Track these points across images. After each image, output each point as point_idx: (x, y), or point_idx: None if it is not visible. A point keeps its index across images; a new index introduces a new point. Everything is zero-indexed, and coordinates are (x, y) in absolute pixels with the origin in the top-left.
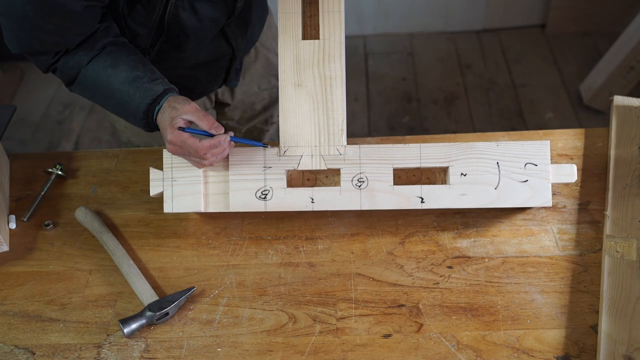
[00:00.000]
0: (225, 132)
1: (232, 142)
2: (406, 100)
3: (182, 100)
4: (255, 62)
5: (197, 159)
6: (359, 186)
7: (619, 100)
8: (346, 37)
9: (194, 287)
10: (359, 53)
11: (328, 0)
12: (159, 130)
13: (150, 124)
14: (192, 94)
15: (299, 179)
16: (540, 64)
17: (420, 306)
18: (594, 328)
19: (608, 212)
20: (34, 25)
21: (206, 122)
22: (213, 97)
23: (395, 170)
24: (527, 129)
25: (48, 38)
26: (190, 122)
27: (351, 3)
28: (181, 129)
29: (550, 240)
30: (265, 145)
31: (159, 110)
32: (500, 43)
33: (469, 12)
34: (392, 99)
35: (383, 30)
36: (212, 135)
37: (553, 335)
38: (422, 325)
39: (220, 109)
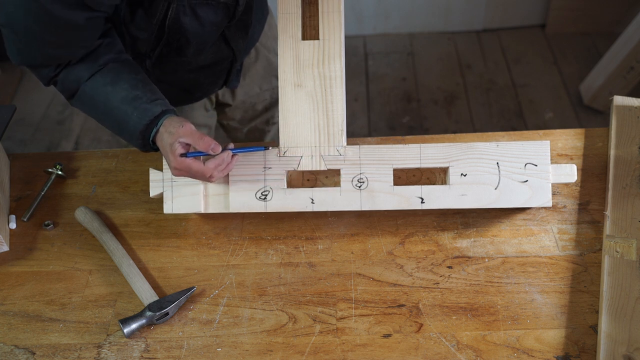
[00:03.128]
0: (224, 145)
1: (236, 155)
2: (406, 100)
3: (177, 123)
4: (255, 62)
5: (204, 179)
6: (359, 187)
7: (619, 100)
8: (346, 37)
9: (194, 287)
10: (359, 53)
11: (328, 0)
12: (155, 151)
13: (146, 145)
14: (193, 97)
15: (299, 179)
16: (540, 64)
17: (420, 306)
18: (594, 328)
19: (608, 212)
20: (35, 38)
21: (203, 144)
22: (214, 98)
23: (395, 170)
24: (527, 129)
25: (49, 51)
26: (188, 145)
27: (351, 3)
28: (183, 155)
29: (550, 240)
30: (266, 148)
31: (156, 132)
32: (500, 43)
33: (469, 12)
34: (392, 99)
35: (383, 30)
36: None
37: (553, 335)
38: (422, 325)
39: (221, 109)
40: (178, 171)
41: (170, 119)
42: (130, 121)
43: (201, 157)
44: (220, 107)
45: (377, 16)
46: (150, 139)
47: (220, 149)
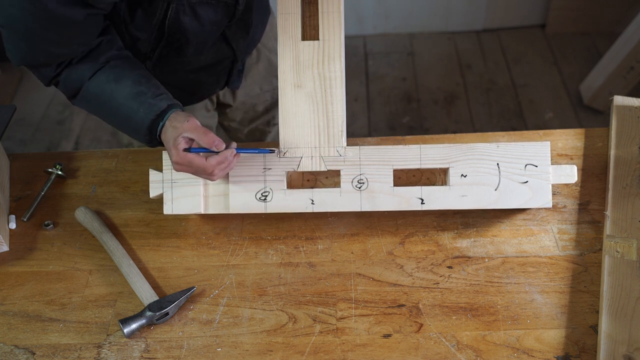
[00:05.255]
0: (228, 143)
1: (238, 154)
2: (406, 100)
3: (182, 118)
4: (257, 63)
5: (205, 175)
6: (359, 187)
7: (619, 100)
8: (346, 37)
9: (194, 287)
10: (359, 53)
11: (328, 0)
12: (162, 146)
13: (153, 140)
14: (194, 97)
15: (299, 180)
16: (540, 64)
17: (420, 306)
18: (594, 328)
19: (608, 212)
20: (35, 36)
21: (207, 140)
22: (215, 98)
23: (395, 171)
24: (527, 129)
25: (50, 49)
26: (192, 140)
27: (351, 3)
28: (186, 150)
29: (550, 240)
30: (272, 151)
31: (162, 127)
32: (500, 43)
33: (469, 12)
34: (392, 99)
35: (383, 30)
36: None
37: (553, 335)
38: (422, 325)
39: (221, 110)
40: (179, 166)
41: (176, 114)
42: (136, 117)
43: (203, 153)
44: (221, 107)
45: (377, 16)
46: (157, 133)
47: (224, 146)
